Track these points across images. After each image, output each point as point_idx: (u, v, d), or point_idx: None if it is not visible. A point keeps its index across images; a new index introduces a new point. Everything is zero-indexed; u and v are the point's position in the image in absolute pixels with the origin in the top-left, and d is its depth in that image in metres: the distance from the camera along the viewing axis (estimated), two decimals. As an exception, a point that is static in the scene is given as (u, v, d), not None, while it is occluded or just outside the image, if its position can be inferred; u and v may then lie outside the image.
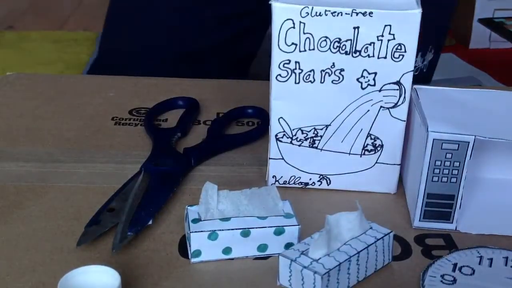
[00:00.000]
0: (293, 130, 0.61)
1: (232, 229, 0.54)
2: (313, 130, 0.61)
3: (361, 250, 0.51)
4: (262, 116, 0.74)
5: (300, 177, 0.63)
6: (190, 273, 0.53)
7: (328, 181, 0.63)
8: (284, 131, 0.61)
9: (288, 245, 0.54)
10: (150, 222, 0.57)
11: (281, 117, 0.61)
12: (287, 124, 0.61)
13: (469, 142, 0.55)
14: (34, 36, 2.38)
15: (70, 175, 0.65)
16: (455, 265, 0.53)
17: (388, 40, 0.57)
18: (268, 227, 0.54)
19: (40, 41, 2.35)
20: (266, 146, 0.63)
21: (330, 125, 0.61)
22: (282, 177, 0.64)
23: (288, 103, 0.60)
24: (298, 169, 0.63)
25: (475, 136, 0.55)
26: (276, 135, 0.62)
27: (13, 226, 0.58)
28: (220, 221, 0.54)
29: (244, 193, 0.56)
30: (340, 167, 0.63)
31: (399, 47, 0.58)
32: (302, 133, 0.61)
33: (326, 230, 0.50)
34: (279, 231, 0.54)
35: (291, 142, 0.62)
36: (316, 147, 0.62)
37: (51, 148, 0.69)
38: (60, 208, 0.60)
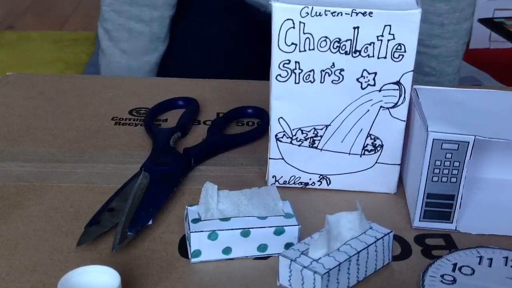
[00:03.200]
0: (293, 130, 0.61)
1: (232, 229, 0.54)
2: (313, 130, 0.61)
3: (361, 250, 0.51)
4: (262, 116, 0.74)
5: (300, 177, 0.63)
6: (190, 273, 0.53)
7: (328, 181, 0.63)
8: (284, 131, 0.61)
9: (288, 245, 0.54)
10: (150, 222, 0.57)
11: (281, 117, 0.61)
12: (287, 124, 0.61)
13: (469, 142, 0.55)
14: (34, 36, 2.38)
15: (70, 175, 0.65)
16: (455, 265, 0.53)
17: (388, 40, 0.57)
18: (268, 227, 0.54)
19: (40, 41, 2.34)
20: (266, 146, 0.63)
21: (330, 125, 0.61)
22: (282, 177, 0.64)
23: (288, 103, 0.60)
24: (298, 169, 0.63)
25: (475, 136, 0.55)
26: (276, 135, 0.62)
27: (13, 226, 0.58)
28: (220, 221, 0.54)
29: (244, 193, 0.56)
30: (340, 167, 0.63)
31: (399, 47, 0.58)
32: (302, 133, 0.61)
33: (326, 230, 0.50)
34: (279, 231, 0.54)
35: (291, 142, 0.62)
36: (316, 147, 0.62)
37: (51, 148, 0.69)
38: (60, 208, 0.60)
